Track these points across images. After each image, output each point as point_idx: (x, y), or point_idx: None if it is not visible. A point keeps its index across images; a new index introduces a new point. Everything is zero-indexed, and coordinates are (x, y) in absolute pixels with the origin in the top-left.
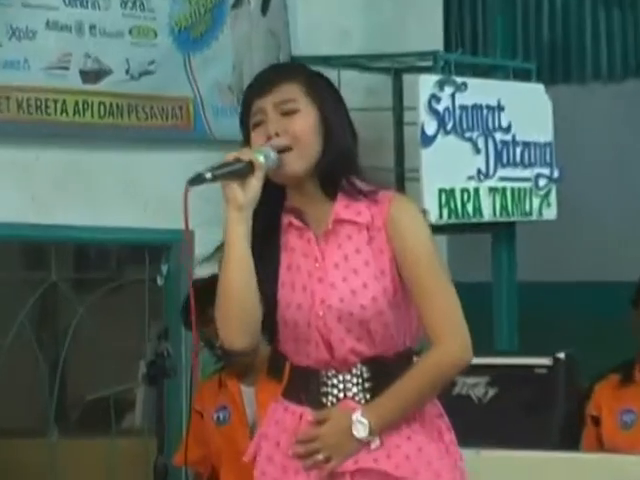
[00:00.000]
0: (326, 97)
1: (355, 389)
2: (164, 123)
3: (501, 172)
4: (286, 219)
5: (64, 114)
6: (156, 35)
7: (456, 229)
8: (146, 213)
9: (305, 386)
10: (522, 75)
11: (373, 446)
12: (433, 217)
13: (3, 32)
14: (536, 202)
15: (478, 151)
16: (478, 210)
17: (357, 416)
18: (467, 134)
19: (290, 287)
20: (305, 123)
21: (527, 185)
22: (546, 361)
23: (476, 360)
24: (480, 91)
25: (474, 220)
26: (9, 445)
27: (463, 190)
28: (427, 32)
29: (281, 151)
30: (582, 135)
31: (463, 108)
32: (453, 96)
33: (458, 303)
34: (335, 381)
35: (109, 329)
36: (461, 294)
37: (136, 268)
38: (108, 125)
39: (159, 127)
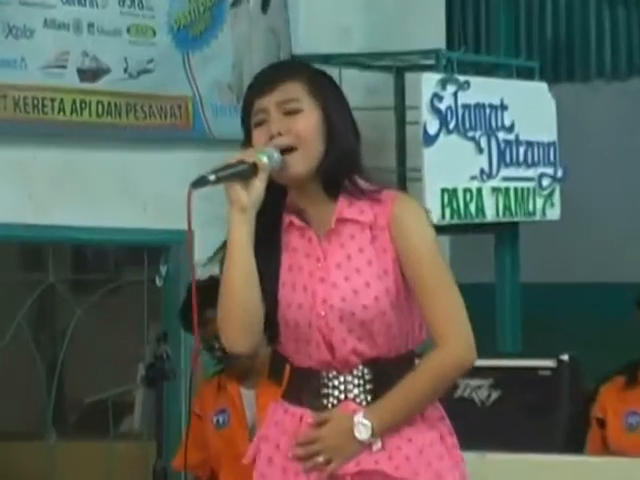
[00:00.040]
0: (329, 96)
1: (356, 390)
2: (163, 122)
3: (504, 172)
4: (287, 219)
5: (61, 113)
6: (155, 33)
7: (458, 229)
8: (145, 213)
9: (305, 387)
10: (525, 73)
11: (375, 448)
12: (435, 217)
13: (0, 30)
14: (539, 202)
15: (481, 150)
16: (481, 210)
17: (359, 418)
18: (470, 133)
19: (291, 287)
20: (308, 123)
21: (530, 185)
22: (550, 363)
23: (479, 362)
24: (483, 90)
25: (477, 220)
26: (6, 448)
27: (466, 190)
28: (429, 30)
29: (284, 151)
30: (586, 134)
31: (466, 107)
32: (456, 95)
33: (462, 303)
34: (336, 382)
35: (107, 331)
36: (464, 295)
37: (135, 269)
38: (106, 124)
39: (158, 126)
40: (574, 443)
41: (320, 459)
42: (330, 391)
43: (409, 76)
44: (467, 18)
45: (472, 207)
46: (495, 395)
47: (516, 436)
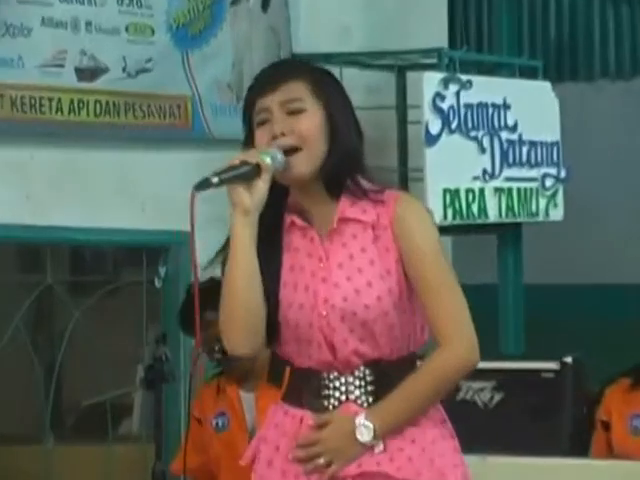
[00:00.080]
0: (332, 96)
1: (357, 392)
2: (162, 122)
3: (507, 172)
4: (288, 218)
5: (59, 113)
6: (153, 32)
7: (461, 230)
8: (143, 214)
9: (306, 388)
10: (528, 73)
11: (377, 450)
12: (437, 218)
13: None
14: (543, 203)
15: (483, 150)
16: (483, 211)
17: (361, 419)
18: (472, 133)
19: (292, 287)
20: (311, 123)
21: (533, 185)
22: (553, 365)
23: (482, 364)
24: (485, 89)
25: (479, 221)
26: (3, 452)
27: (468, 190)
28: (431, 28)
29: (287, 152)
30: (590, 134)
31: (468, 106)
32: (458, 94)
33: (465, 303)
34: (337, 383)
35: (106, 333)
36: (466, 296)
37: (133, 270)
38: (104, 124)
39: (156, 126)
40: (578, 446)
41: (321, 461)
42: (331, 392)
43: (411, 75)
44: (469, 16)
45: (474, 208)
46: (498, 398)
47: (519, 439)
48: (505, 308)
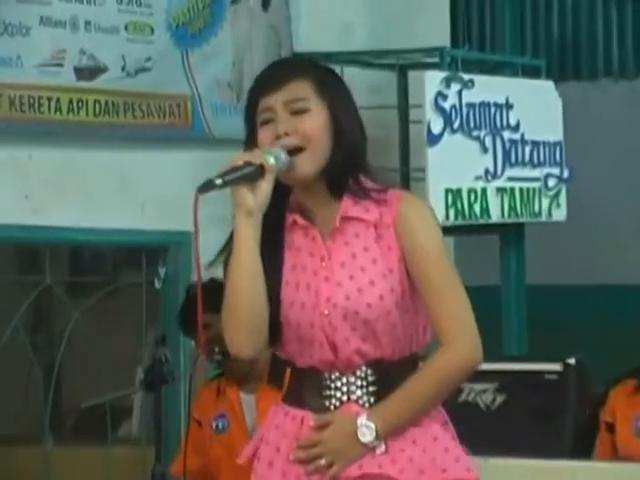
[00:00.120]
0: (337, 95)
1: (359, 392)
2: (161, 121)
3: (509, 172)
4: (290, 218)
5: (58, 112)
6: (153, 31)
7: (463, 230)
8: (143, 214)
9: (307, 388)
10: (531, 72)
11: (378, 451)
12: (439, 218)
13: None
14: (545, 203)
15: (486, 150)
16: (486, 211)
17: (363, 420)
18: (474, 133)
19: (294, 286)
20: (316, 123)
21: (536, 185)
22: (556, 367)
23: (484, 366)
24: (488, 88)
25: (482, 221)
26: (2, 453)
27: (470, 190)
28: (433, 27)
29: (291, 152)
30: (593, 134)
31: (470, 106)
32: (460, 93)
33: (468, 303)
34: (339, 384)
35: (105, 334)
36: (469, 297)
37: (133, 271)
38: (103, 123)
39: (156, 126)
40: (581, 448)
41: (322, 462)
42: (332, 392)
43: (412, 74)
44: (472, 15)
45: (477, 208)
46: (500, 399)
47: (522, 441)
48: (508, 309)
